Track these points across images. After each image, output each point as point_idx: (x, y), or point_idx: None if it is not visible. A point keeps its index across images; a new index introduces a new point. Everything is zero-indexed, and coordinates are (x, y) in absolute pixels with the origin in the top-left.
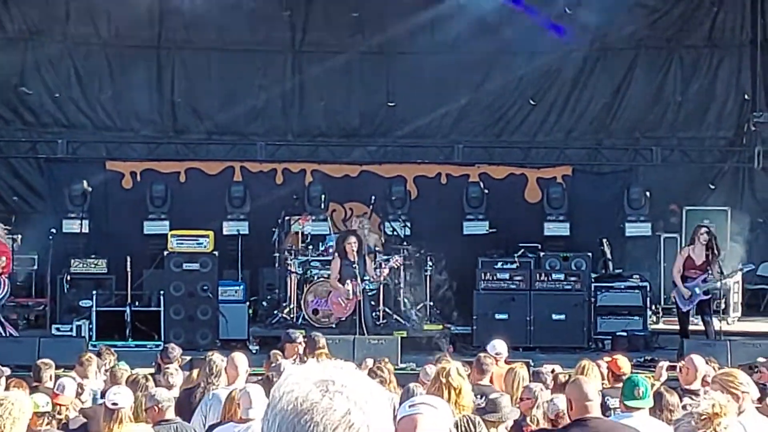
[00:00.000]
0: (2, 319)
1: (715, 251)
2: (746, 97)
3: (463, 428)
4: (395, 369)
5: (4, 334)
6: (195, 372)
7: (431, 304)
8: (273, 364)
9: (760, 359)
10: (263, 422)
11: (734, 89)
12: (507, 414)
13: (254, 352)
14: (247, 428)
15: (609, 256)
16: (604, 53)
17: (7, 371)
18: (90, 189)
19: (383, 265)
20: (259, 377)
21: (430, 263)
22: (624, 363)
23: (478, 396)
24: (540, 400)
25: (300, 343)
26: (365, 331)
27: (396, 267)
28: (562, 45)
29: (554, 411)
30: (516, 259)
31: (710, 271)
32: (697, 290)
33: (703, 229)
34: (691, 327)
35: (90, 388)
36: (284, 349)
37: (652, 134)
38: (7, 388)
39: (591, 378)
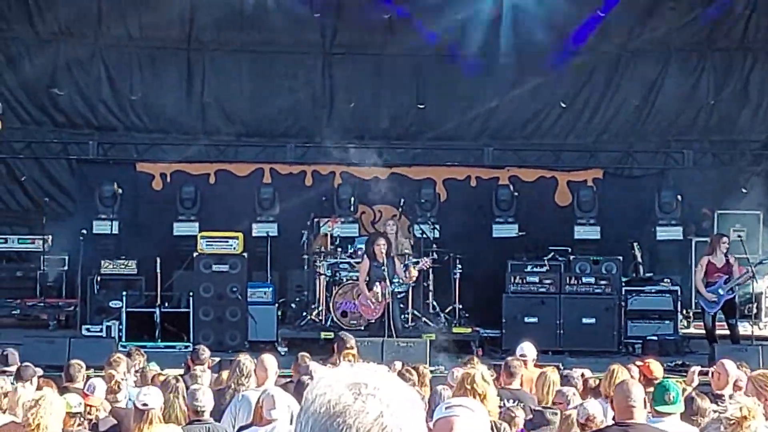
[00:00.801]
0: None
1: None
2: None
3: None
4: None
5: None
6: (224, 373)
7: (460, 306)
8: (301, 366)
9: None
10: (296, 424)
11: (767, 92)
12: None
13: (283, 354)
14: (272, 429)
15: (640, 259)
16: (636, 56)
17: (40, 371)
18: (120, 190)
19: (412, 267)
20: (287, 379)
21: (458, 266)
22: (656, 367)
23: (509, 400)
24: (573, 405)
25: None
26: (394, 334)
27: (425, 269)
28: (594, 47)
29: (584, 415)
30: (546, 263)
31: (732, 273)
32: (721, 291)
33: (725, 238)
34: (717, 331)
35: (126, 388)
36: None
37: (684, 137)
38: (38, 388)
39: (632, 383)
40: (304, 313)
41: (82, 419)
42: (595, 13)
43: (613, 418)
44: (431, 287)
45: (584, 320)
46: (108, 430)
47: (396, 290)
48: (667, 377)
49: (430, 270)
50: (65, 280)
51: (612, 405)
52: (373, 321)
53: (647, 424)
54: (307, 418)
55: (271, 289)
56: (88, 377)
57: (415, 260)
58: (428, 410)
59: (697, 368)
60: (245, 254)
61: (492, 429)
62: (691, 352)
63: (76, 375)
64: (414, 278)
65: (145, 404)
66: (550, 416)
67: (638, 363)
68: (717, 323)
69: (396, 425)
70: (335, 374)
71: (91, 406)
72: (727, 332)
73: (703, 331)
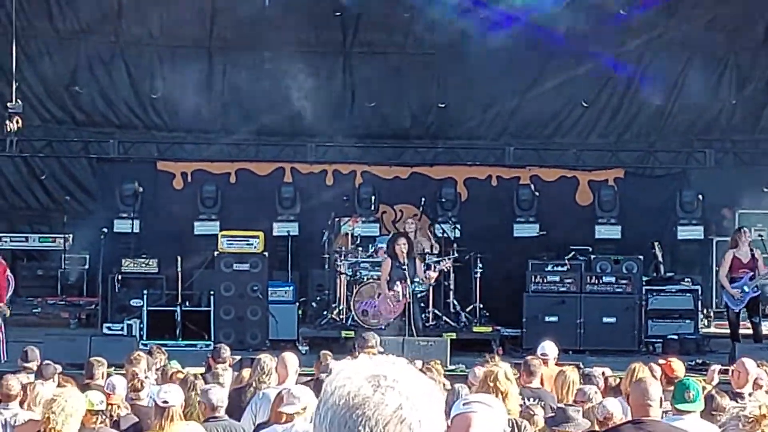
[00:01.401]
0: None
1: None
2: None
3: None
4: (444, 371)
5: None
6: (245, 372)
7: (481, 306)
8: (323, 365)
9: None
10: (315, 417)
11: None
12: (578, 425)
13: (303, 352)
14: (291, 426)
15: (660, 259)
16: (658, 55)
17: (59, 369)
18: (141, 189)
19: (433, 268)
20: (309, 378)
21: (479, 265)
22: (678, 366)
23: (529, 399)
24: (594, 403)
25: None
26: (414, 333)
27: (446, 270)
28: (614, 46)
29: (603, 413)
30: (566, 262)
31: (758, 269)
32: (746, 288)
33: (744, 229)
34: (741, 331)
35: (149, 386)
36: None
37: (706, 137)
38: (59, 386)
39: (650, 381)
40: (325, 312)
41: (104, 417)
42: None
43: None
44: (452, 286)
45: (605, 319)
46: (129, 428)
47: (416, 290)
48: (688, 376)
49: (451, 269)
50: (86, 278)
51: (628, 401)
52: (394, 320)
53: (661, 422)
54: (326, 410)
55: (291, 288)
56: (108, 375)
57: (436, 260)
58: (446, 409)
59: (718, 367)
60: (266, 253)
61: (513, 427)
62: (711, 351)
63: (96, 372)
64: (434, 279)
65: (165, 401)
66: (573, 413)
67: (660, 362)
68: (741, 322)
69: (415, 417)
70: (354, 366)
71: (112, 404)
72: (750, 331)
73: (724, 331)
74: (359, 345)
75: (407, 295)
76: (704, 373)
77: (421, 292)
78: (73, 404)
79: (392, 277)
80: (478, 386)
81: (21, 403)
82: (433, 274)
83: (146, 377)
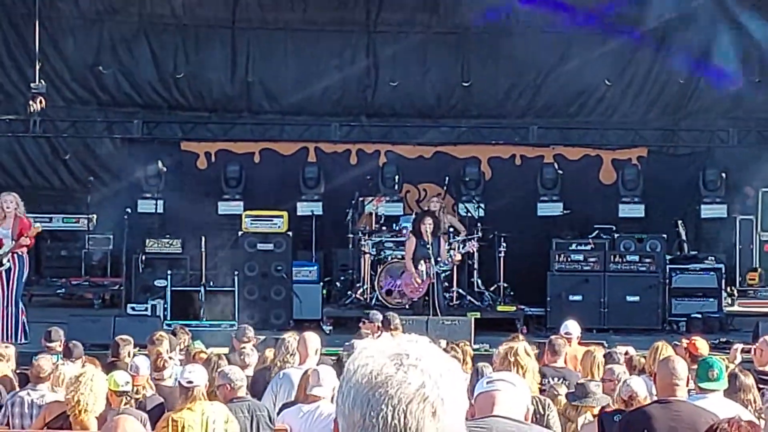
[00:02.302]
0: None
1: None
2: None
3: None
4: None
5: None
6: (269, 352)
7: (505, 285)
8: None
9: None
10: (337, 395)
11: None
12: (598, 400)
13: (328, 332)
14: (316, 408)
15: (684, 237)
16: (683, 31)
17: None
18: (165, 169)
19: (457, 248)
20: (333, 358)
21: (503, 244)
22: (702, 345)
23: (554, 378)
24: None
25: (376, 323)
26: (438, 313)
27: (471, 252)
28: (638, 24)
29: (627, 392)
30: (590, 241)
31: None
32: None
33: None
34: (766, 309)
35: (172, 366)
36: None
37: (729, 115)
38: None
39: (677, 360)
40: (349, 292)
41: (129, 398)
42: None
43: (656, 395)
44: (476, 266)
45: (628, 298)
46: (154, 408)
47: (440, 270)
48: (711, 355)
49: (475, 250)
50: (110, 259)
51: (655, 381)
52: (418, 300)
53: (687, 402)
54: (348, 388)
55: (315, 267)
56: (133, 355)
57: (462, 240)
58: (469, 387)
59: (740, 345)
60: (290, 233)
61: (536, 405)
62: (735, 329)
63: (122, 351)
64: (458, 260)
65: (189, 381)
66: (593, 388)
67: (685, 340)
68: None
69: (437, 396)
70: (377, 345)
71: (137, 385)
72: None
73: (748, 309)
74: (383, 326)
75: (431, 275)
76: (728, 351)
77: (445, 271)
78: (94, 384)
79: (416, 256)
80: (499, 363)
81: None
82: (458, 255)
83: (170, 357)
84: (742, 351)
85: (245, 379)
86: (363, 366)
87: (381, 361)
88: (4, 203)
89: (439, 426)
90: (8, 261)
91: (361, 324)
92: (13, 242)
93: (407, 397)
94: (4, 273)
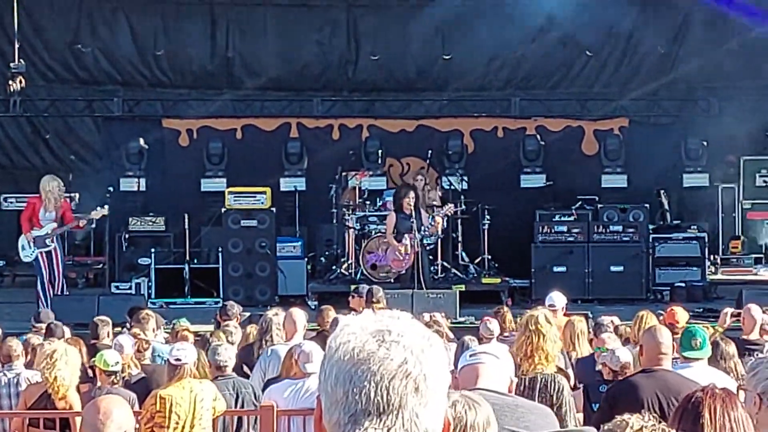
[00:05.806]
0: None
1: None
2: None
3: (542, 386)
4: (452, 323)
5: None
6: (252, 328)
7: (489, 257)
8: (326, 320)
9: None
10: (320, 373)
11: None
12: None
13: (313, 308)
14: (303, 384)
15: (667, 207)
16: (661, 2)
17: (68, 330)
18: (147, 147)
19: (437, 216)
20: (315, 333)
21: (487, 217)
22: (681, 314)
23: None
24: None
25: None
26: (423, 286)
27: (449, 215)
28: None
29: (617, 363)
30: (573, 212)
31: None
32: None
33: None
34: (749, 277)
35: (152, 345)
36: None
37: (710, 84)
38: None
39: (663, 330)
40: (334, 267)
41: (117, 378)
42: None
43: (641, 364)
44: (460, 238)
45: (612, 268)
46: (138, 384)
47: (425, 242)
48: (694, 323)
49: (459, 221)
50: (93, 238)
51: (641, 351)
52: (403, 273)
53: (672, 371)
54: (331, 366)
55: (300, 243)
56: (115, 334)
57: (439, 207)
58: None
59: (730, 310)
60: (273, 209)
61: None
62: (718, 297)
63: (101, 332)
64: (440, 226)
65: (178, 359)
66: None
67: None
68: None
69: (420, 372)
70: (359, 322)
71: (123, 363)
72: (757, 277)
73: (731, 277)
74: (367, 299)
75: (416, 247)
76: (711, 320)
77: (430, 244)
78: (72, 358)
79: (399, 230)
80: (520, 333)
81: (29, 365)
82: (439, 220)
83: (155, 336)
84: (732, 315)
85: (233, 357)
86: (345, 343)
87: (363, 338)
88: (50, 192)
89: (422, 401)
90: (51, 242)
91: (350, 298)
92: (58, 225)
93: (389, 374)
94: (45, 254)
